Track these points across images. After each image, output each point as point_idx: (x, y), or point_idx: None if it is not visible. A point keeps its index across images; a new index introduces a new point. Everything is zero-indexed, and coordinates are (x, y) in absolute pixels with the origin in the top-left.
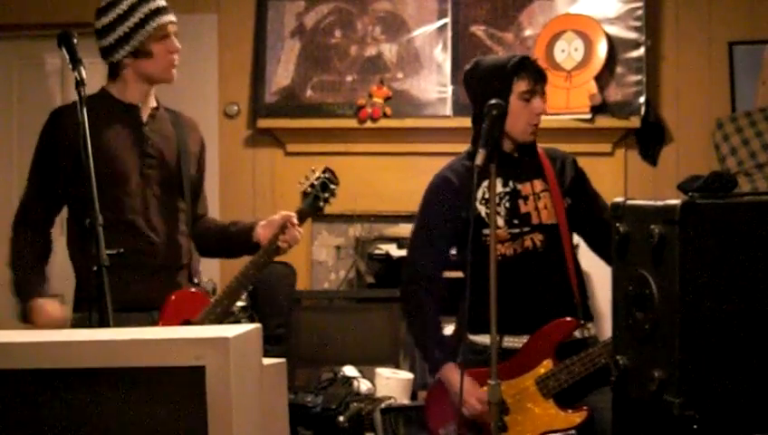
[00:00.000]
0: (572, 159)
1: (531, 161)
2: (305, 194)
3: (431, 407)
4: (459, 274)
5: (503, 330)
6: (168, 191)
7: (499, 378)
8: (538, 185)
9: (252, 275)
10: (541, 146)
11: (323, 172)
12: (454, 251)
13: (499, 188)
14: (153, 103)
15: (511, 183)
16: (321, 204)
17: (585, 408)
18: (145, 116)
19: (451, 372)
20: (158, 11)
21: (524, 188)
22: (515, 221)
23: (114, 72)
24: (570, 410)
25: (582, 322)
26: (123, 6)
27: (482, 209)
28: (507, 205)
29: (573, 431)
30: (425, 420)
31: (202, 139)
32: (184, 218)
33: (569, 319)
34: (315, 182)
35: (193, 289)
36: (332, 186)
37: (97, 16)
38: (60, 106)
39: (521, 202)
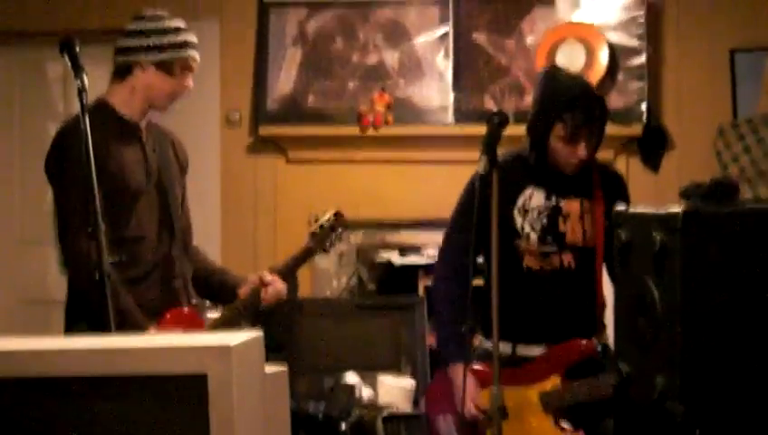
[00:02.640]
0: (622, 179)
1: (581, 177)
2: (313, 234)
3: (433, 394)
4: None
5: (517, 338)
6: (169, 206)
7: (507, 383)
8: (584, 204)
9: (254, 308)
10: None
11: (334, 215)
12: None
13: (540, 202)
14: (145, 119)
15: (554, 198)
16: (328, 246)
17: (580, 430)
18: (144, 135)
19: (458, 372)
20: (195, 47)
21: (567, 205)
22: (549, 238)
23: (123, 74)
24: (565, 430)
25: (599, 348)
26: (169, 24)
27: (519, 221)
28: (545, 221)
29: None
30: (426, 404)
31: (187, 159)
32: (181, 230)
33: (586, 342)
34: (325, 224)
35: (186, 308)
36: (340, 229)
37: (136, 19)
38: (62, 127)
39: (560, 220)
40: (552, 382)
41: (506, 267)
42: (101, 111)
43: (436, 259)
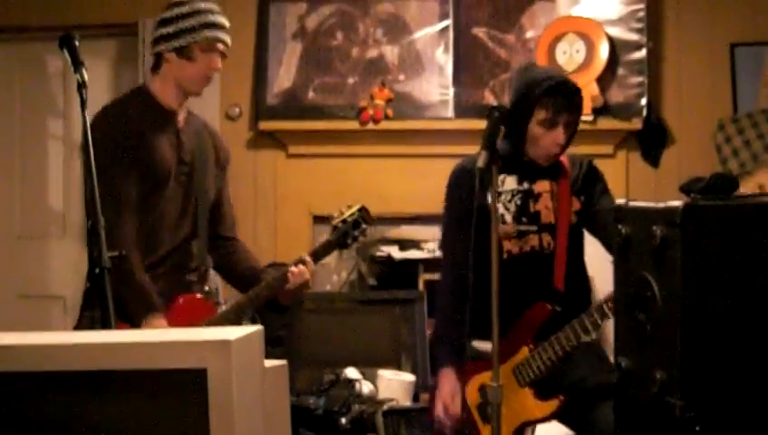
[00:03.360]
0: (589, 160)
1: (550, 165)
2: (335, 228)
3: (433, 398)
4: None
5: (504, 331)
6: (196, 198)
7: (482, 370)
8: (552, 185)
9: (264, 297)
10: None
11: (359, 210)
12: None
13: (513, 186)
14: (185, 108)
15: (525, 183)
16: (350, 241)
17: (560, 396)
18: (181, 122)
19: (445, 378)
20: (217, 26)
21: (538, 187)
22: (524, 219)
23: (156, 65)
24: (543, 399)
25: (558, 308)
26: (187, 9)
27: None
28: (518, 202)
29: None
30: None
31: (229, 153)
32: (206, 225)
33: (543, 305)
34: (348, 219)
35: (199, 295)
36: (364, 225)
37: (168, 6)
38: (105, 107)
39: (531, 201)
40: (522, 354)
41: (488, 257)
42: (139, 96)
43: (441, 269)
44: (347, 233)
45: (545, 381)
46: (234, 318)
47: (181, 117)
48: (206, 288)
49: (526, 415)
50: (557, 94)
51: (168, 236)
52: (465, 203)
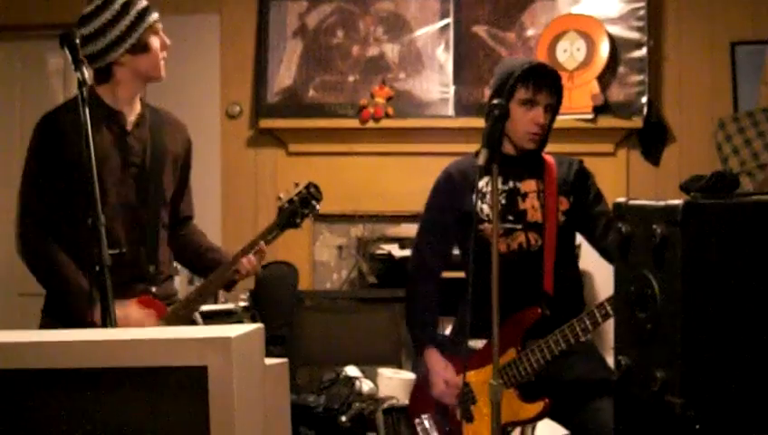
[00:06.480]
0: (578, 160)
1: (533, 162)
2: (281, 209)
3: (414, 396)
4: (459, 274)
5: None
6: (149, 200)
7: (469, 368)
8: (538, 184)
9: (214, 289)
10: (549, 153)
11: (306, 187)
12: (456, 251)
13: (498, 185)
14: (138, 108)
15: (511, 182)
16: (299, 220)
17: (545, 399)
18: (130, 123)
19: (431, 355)
20: (149, 9)
21: (524, 185)
22: (510, 217)
23: (105, 76)
24: (529, 402)
25: (547, 312)
26: (115, 8)
27: (478, 204)
28: (504, 201)
29: None
30: (408, 409)
31: (188, 140)
32: (159, 227)
33: (534, 308)
34: (295, 198)
35: (141, 297)
36: (314, 202)
37: (82, 24)
38: (49, 111)
39: (519, 199)
40: (509, 356)
41: (477, 256)
42: (88, 98)
43: (411, 260)
44: (295, 212)
45: (531, 383)
46: (184, 314)
47: (132, 117)
48: (153, 289)
49: (511, 416)
50: (536, 75)
51: (113, 243)
52: (444, 208)
